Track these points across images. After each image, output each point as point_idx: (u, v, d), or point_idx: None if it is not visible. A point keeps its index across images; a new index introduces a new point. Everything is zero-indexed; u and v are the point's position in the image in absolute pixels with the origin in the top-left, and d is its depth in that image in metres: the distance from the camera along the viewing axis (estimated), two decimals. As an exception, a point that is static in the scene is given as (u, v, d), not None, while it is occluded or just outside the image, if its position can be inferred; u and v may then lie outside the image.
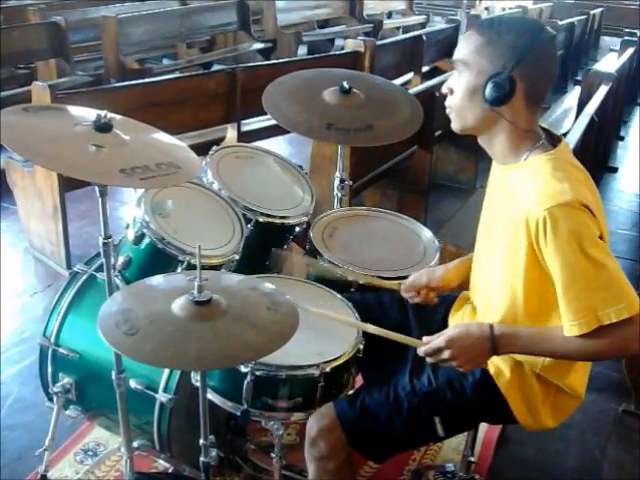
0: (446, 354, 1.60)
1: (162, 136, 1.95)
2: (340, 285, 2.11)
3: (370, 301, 2.06)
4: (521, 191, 1.54)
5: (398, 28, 9.71)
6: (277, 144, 4.95)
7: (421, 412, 1.75)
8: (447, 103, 1.65)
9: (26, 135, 1.66)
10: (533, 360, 1.66)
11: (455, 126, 1.66)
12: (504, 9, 11.37)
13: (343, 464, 1.79)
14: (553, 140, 1.63)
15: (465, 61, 1.57)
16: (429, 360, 1.65)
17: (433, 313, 2.00)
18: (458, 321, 1.86)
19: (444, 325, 1.90)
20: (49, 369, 2.19)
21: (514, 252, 1.57)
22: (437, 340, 1.62)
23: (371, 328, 1.79)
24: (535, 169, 1.55)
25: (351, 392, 1.89)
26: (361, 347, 1.87)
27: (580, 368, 1.71)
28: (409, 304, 2.01)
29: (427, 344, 1.63)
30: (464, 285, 1.93)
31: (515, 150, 1.60)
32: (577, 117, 4.31)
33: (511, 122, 1.56)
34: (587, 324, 1.46)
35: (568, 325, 1.49)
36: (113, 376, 1.91)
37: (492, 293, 1.71)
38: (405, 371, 1.80)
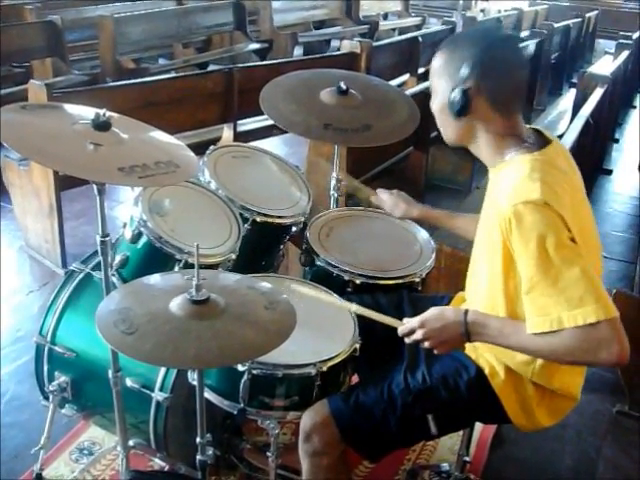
0: (419, 334, 1.64)
1: (160, 135, 1.95)
2: (337, 285, 2.11)
3: (367, 303, 2.06)
4: (499, 190, 1.58)
5: (394, 29, 9.70)
6: (274, 144, 4.95)
7: (415, 410, 1.76)
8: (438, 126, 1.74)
9: (25, 133, 1.66)
10: (525, 366, 1.67)
11: (446, 141, 1.75)
12: (500, 11, 11.40)
13: (337, 461, 1.79)
14: (543, 142, 1.65)
15: (431, 86, 1.69)
16: (407, 340, 1.69)
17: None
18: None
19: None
20: (45, 368, 2.18)
21: (493, 251, 1.59)
22: (413, 320, 1.67)
23: (354, 307, 1.84)
24: (514, 169, 1.57)
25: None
26: (357, 346, 1.88)
27: (573, 371, 1.72)
28: (406, 306, 2.02)
29: (404, 325, 1.68)
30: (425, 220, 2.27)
31: (499, 152, 1.64)
32: (572, 119, 4.32)
33: (483, 129, 1.62)
34: (549, 323, 1.45)
35: (529, 322, 1.50)
36: (109, 375, 1.91)
37: (478, 294, 1.73)
38: (400, 368, 1.81)
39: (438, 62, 1.65)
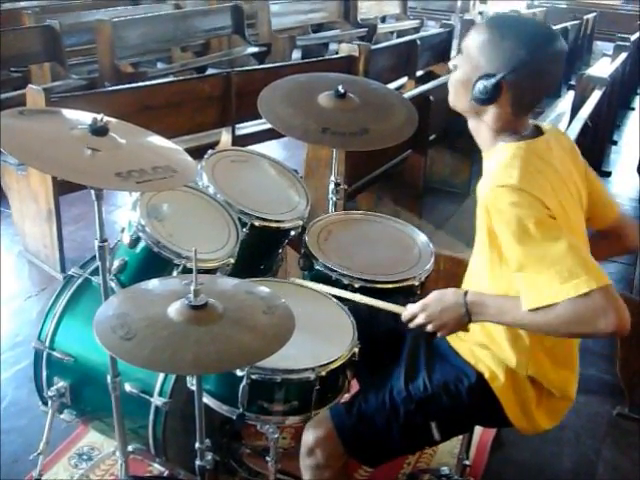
0: (421, 318, 1.66)
1: (158, 139, 1.95)
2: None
3: (364, 308, 2.06)
4: (484, 178, 1.59)
5: (392, 32, 9.72)
6: (272, 148, 4.95)
7: (417, 417, 1.75)
8: (450, 78, 1.69)
9: (23, 138, 1.66)
10: (519, 362, 1.67)
11: (449, 100, 1.70)
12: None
13: (339, 473, 1.80)
14: (537, 134, 1.65)
15: (468, 52, 1.60)
16: (410, 326, 1.71)
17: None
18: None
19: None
20: (44, 373, 2.18)
21: (483, 240, 1.60)
22: (415, 305, 1.69)
23: (358, 297, 1.89)
24: (497, 156, 1.58)
25: (347, 397, 1.89)
26: (357, 351, 1.87)
27: (564, 368, 1.72)
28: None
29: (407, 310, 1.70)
30: None
31: (494, 140, 1.64)
32: (571, 121, 4.32)
33: (490, 123, 1.61)
34: (542, 298, 1.44)
35: (524, 299, 1.48)
36: (108, 380, 1.91)
37: (478, 285, 1.72)
38: (400, 376, 1.80)
39: (481, 37, 1.57)
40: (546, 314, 1.46)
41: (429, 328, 1.66)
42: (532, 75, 1.55)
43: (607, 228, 1.83)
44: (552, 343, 1.66)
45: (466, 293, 1.62)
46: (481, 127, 1.65)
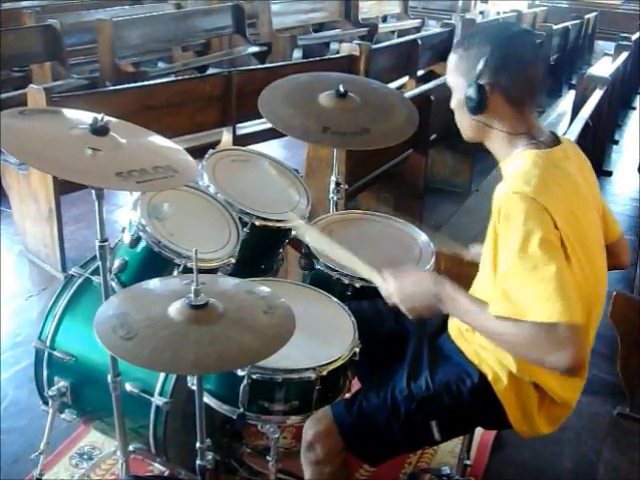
0: (395, 297, 1.71)
1: (158, 139, 1.95)
2: (336, 289, 2.11)
3: (366, 308, 2.06)
4: (502, 183, 1.59)
5: (393, 32, 9.71)
6: (272, 147, 4.95)
7: (418, 416, 1.75)
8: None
9: (23, 138, 1.66)
10: (523, 368, 1.66)
11: (465, 138, 1.75)
12: (499, 13, 11.41)
13: (339, 468, 1.79)
14: (555, 142, 1.66)
15: (450, 82, 1.69)
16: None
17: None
18: (455, 322, 1.85)
19: (444, 328, 1.90)
20: (44, 372, 2.18)
21: (487, 253, 1.61)
22: (391, 282, 1.73)
23: (341, 255, 1.98)
24: (517, 163, 1.59)
25: (348, 396, 1.89)
26: (357, 350, 1.87)
27: (572, 380, 1.71)
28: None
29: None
30: None
31: (510, 149, 1.65)
32: (572, 121, 4.33)
33: (498, 128, 1.63)
34: (513, 310, 1.46)
35: (495, 303, 1.51)
36: (109, 379, 1.91)
37: (477, 288, 1.73)
38: (402, 375, 1.80)
39: (453, 60, 1.65)
40: (510, 327, 1.48)
41: (400, 307, 1.70)
42: (509, 65, 1.58)
43: (607, 245, 1.83)
44: None
45: (443, 285, 1.64)
46: (494, 139, 1.67)
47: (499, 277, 1.52)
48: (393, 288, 1.71)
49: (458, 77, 1.64)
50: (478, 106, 1.59)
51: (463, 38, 1.67)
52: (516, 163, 1.60)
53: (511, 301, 1.47)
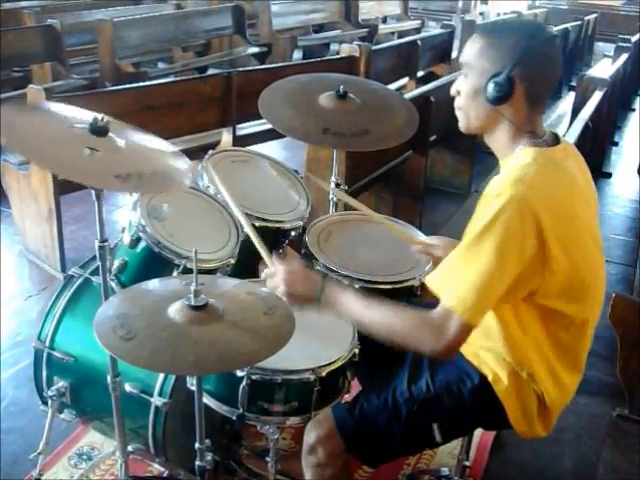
0: (279, 286, 1.73)
1: (156, 142, 1.93)
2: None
3: None
4: (499, 176, 1.60)
5: (393, 33, 9.71)
6: (272, 148, 4.95)
7: (419, 418, 1.75)
8: (455, 104, 1.71)
9: (24, 133, 1.65)
10: (520, 363, 1.68)
11: (461, 125, 1.71)
12: (499, 14, 11.42)
13: (340, 471, 1.80)
14: (556, 142, 1.67)
15: (469, 63, 1.63)
16: (262, 277, 1.82)
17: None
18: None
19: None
20: (44, 372, 2.18)
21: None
22: (278, 273, 1.75)
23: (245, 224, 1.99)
24: (517, 159, 1.60)
25: (348, 398, 1.89)
26: (357, 351, 1.87)
27: (568, 371, 1.72)
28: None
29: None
30: None
31: (512, 145, 1.65)
32: (571, 122, 4.33)
33: (511, 121, 1.61)
34: (436, 287, 1.55)
35: (434, 274, 1.59)
36: (108, 380, 1.91)
37: None
38: (403, 377, 1.80)
39: (481, 44, 1.60)
40: (393, 317, 1.60)
41: (278, 290, 1.73)
42: (538, 62, 1.57)
43: None
44: (558, 347, 1.67)
45: (324, 288, 1.70)
46: (499, 134, 1.65)
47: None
48: (282, 271, 1.74)
49: (484, 62, 1.58)
50: (501, 97, 1.57)
51: (493, 26, 1.63)
52: (516, 159, 1.60)
53: (439, 278, 1.56)
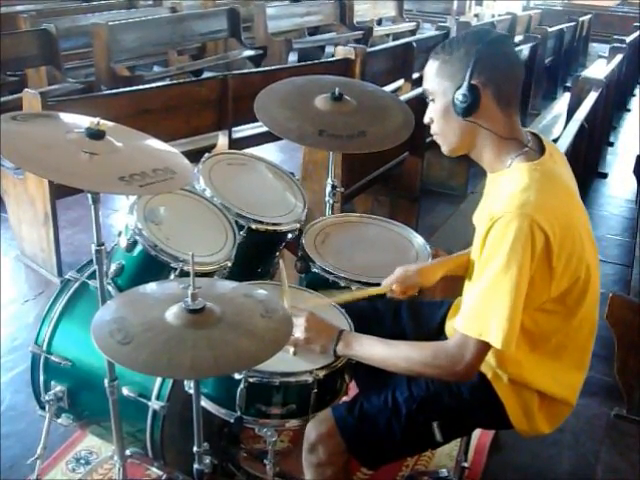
0: (300, 334, 1.78)
1: (154, 142, 1.94)
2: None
3: (364, 309, 2.06)
4: (497, 196, 1.58)
5: (388, 35, 9.73)
6: (269, 151, 4.95)
7: (419, 417, 1.75)
8: (432, 132, 1.71)
9: (19, 142, 1.65)
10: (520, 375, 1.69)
11: (444, 150, 1.72)
12: (493, 16, 11.44)
13: (341, 471, 1.80)
14: (542, 147, 1.66)
15: (431, 88, 1.65)
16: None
17: (429, 319, 2.02)
18: (452, 323, 1.86)
19: (441, 330, 1.91)
20: (41, 377, 2.17)
21: (476, 253, 1.61)
22: (300, 324, 1.79)
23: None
24: (513, 178, 1.58)
25: (347, 398, 1.89)
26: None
27: (574, 372, 1.72)
28: (404, 312, 2.02)
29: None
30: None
31: (501, 157, 1.64)
32: (567, 123, 4.33)
33: (489, 129, 1.61)
34: (475, 332, 1.54)
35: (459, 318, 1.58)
36: (105, 384, 1.91)
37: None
38: (403, 376, 1.80)
39: (435, 66, 1.62)
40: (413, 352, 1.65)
41: (298, 336, 1.78)
42: (494, 62, 1.58)
43: None
44: (557, 347, 1.68)
45: (339, 339, 1.75)
46: (482, 148, 1.65)
47: (471, 282, 1.56)
48: (302, 322, 1.78)
49: (443, 81, 1.60)
50: (470, 106, 1.57)
51: (442, 45, 1.64)
52: (512, 180, 1.57)
53: (480, 318, 1.53)
